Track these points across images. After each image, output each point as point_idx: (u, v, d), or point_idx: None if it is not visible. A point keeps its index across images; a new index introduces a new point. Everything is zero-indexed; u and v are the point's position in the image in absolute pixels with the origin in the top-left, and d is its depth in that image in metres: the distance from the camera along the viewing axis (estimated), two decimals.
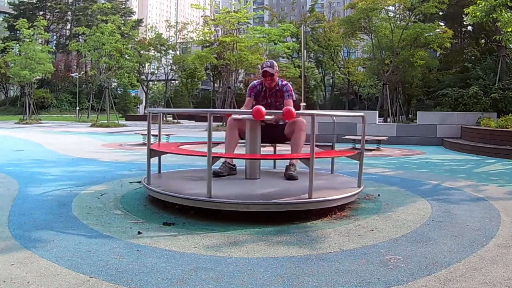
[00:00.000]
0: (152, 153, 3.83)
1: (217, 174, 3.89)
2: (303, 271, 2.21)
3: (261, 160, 4.23)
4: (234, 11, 20.90)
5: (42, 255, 2.36)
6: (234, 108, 18.29)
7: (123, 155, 7.94)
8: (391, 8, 20.72)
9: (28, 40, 23.30)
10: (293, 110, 3.23)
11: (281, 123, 4.14)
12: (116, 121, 21.74)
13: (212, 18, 23.39)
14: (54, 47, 38.92)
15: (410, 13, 18.71)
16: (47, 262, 2.27)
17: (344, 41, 30.58)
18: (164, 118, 24.46)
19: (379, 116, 13.52)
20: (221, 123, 18.19)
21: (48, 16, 47.77)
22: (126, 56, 25.51)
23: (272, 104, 4.20)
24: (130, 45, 27.38)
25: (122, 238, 2.70)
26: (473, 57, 22.24)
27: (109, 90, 23.63)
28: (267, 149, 4.88)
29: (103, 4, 35.08)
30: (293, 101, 4.18)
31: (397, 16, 20.62)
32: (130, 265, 2.25)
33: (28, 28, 23.62)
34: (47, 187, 4.41)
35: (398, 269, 2.23)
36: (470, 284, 2.06)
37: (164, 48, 30.50)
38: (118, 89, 40.15)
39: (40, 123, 23.08)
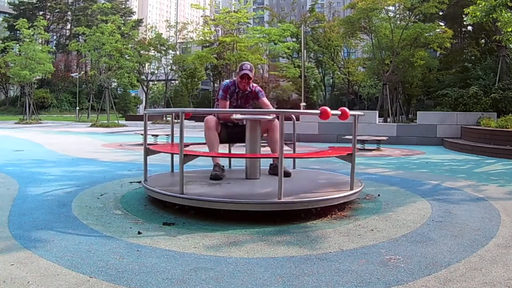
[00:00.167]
0: (148, 152, 3.88)
1: (218, 178, 3.91)
2: (303, 271, 2.21)
3: (261, 160, 4.23)
4: (234, 11, 20.92)
5: (42, 255, 2.36)
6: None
7: (123, 155, 7.95)
8: (391, 8, 20.73)
9: (28, 40, 23.30)
10: (328, 109, 3.35)
11: (245, 123, 4.17)
12: (116, 121, 21.75)
13: (212, 18, 23.42)
14: (54, 47, 38.92)
15: (410, 13, 18.71)
16: (47, 262, 2.27)
17: (344, 41, 30.55)
18: (164, 118, 24.47)
19: (379, 116, 13.50)
20: None
21: (48, 16, 47.75)
22: (126, 56, 25.52)
23: (242, 106, 4.32)
24: (130, 45, 27.37)
25: (122, 238, 2.70)
26: (473, 57, 22.24)
27: (109, 90, 23.65)
28: (267, 149, 4.88)
29: (103, 4, 35.13)
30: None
31: (397, 16, 20.62)
32: (130, 265, 2.25)
33: (28, 28, 23.64)
34: (47, 187, 4.41)
35: (398, 269, 2.23)
36: (470, 284, 2.06)
37: (164, 48, 30.45)
38: (118, 89, 40.11)
39: (40, 123, 23.08)
